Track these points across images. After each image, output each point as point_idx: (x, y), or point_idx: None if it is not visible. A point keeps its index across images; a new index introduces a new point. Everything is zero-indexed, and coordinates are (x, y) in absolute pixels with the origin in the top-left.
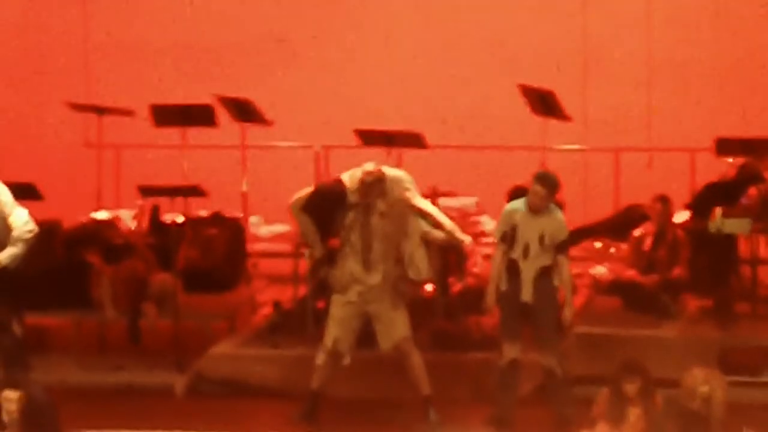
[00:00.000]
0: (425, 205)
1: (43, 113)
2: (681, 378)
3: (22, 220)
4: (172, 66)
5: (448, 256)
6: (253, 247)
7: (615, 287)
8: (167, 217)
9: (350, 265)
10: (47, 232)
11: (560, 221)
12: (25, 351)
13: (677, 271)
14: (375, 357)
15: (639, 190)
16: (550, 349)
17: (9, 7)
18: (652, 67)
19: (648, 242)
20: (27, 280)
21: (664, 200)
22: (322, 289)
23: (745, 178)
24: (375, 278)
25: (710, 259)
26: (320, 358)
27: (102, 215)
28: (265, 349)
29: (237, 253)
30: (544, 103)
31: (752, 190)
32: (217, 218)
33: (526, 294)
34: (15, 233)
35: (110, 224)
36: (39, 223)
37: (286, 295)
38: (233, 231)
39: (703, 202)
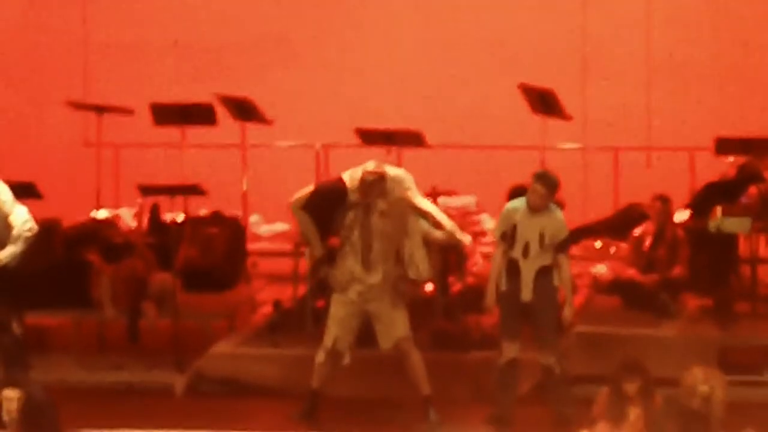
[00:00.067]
0: (426, 204)
1: (43, 113)
2: (681, 377)
3: (22, 218)
4: (172, 66)
5: (448, 256)
6: (252, 246)
7: (615, 286)
8: (167, 216)
9: (350, 265)
10: (47, 231)
11: (560, 220)
12: (25, 350)
13: (677, 271)
14: (375, 357)
15: (639, 190)
16: (550, 348)
17: (9, 7)
18: (652, 67)
19: (648, 241)
20: (27, 279)
21: (663, 199)
22: (322, 288)
23: (745, 177)
24: (375, 278)
25: (710, 259)
26: (320, 358)
27: (102, 214)
28: (264, 348)
29: (237, 253)
30: (544, 102)
31: (752, 190)
32: (217, 217)
33: (526, 293)
34: (15, 232)
35: (110, 223)
36: (39, 222)
37: (286, 294)
38: (233, 230)
39: (703, 202)
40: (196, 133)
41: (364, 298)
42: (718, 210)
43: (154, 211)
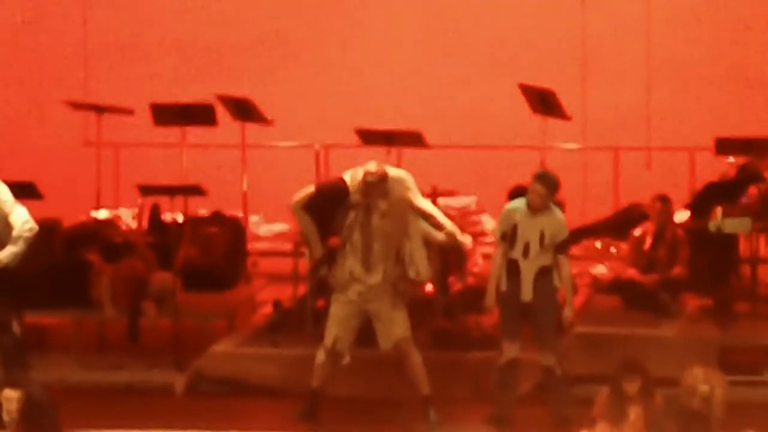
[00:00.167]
0: (426, 205)
1: (43, 113)
2: (681, 377)
3: (22, 219)
4: (172, 66)
5: (448, 256)
6: (253, 246)
7: (615, 286)
8: (167, 216)
9: (350, 265)
10: (47, 231)
11: (560, 221)
12: (25, 350)
13: (677, 271)
14: (375, 356)
15: (639, 190)
16: (550, 348)
17: (9, 7)
18: (652, 67)
19: (648, 241)
20: (27, 279)
21: (663, 199)
22: (322, 288)
23: (745, 177)
24: (375, 278)
25: (710, 259)
26: (320, 358)
27: (102, 214)
28: (264, 348)
29: (237, 252)
30: (543, 102)
31: (752, 190)
32: (217, 217)
33: (526, 293)
34: (15, 232)
35: (110, 223)
36: (39, 222)
37: (286, 294)
38: (233, 230)
39: (703, 202)
40: (196, 133)
41: (364, 299)
42: (719, 210)
43: (154, 211)
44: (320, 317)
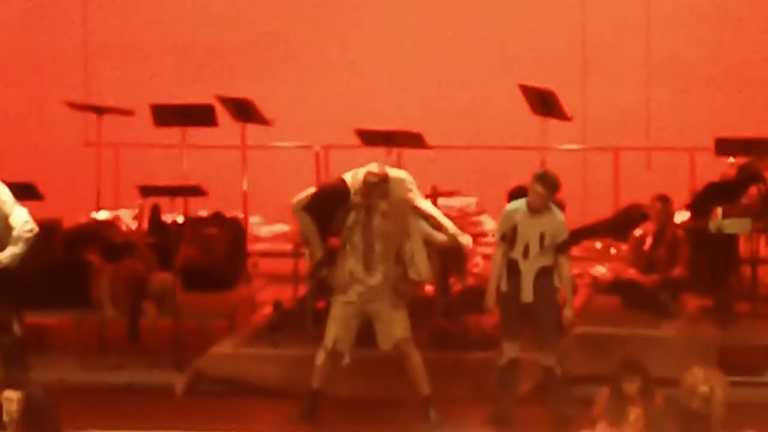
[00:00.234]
0: (427, 206)
1: (43, 113)
2: (681, 377)
3: (22, 219)
4: (172, 66)
5: (449, 257)
6: (253, 246)
7: (615, 287)
8: (167, 217)
9: (351, 265)
10: (47, 232)
11: (560, 221)
12: (25, 350)
13: (677, 271)
14: (375, 357)
15: (639, 190)
16: (550, 348)
17: (9, 7)
18: (652, 67)
19: (648, 242)
20: (27, 279)
21: (663, 200)
22: (322, 288)
23: (745, 177)
24: (376, 279)
25: (710, 259)
26: (320, 358)
27: (102, 215)
28: (264, 348)
29: (237, 253)
30: (543, 102)
31: (752, 190)
32: (217, 218)
33: (527, 294)
34: (15, 233)
35: (110, 224)
36: (39, 222)
37: (286, 294)
38: (233, 231)
39: (703, 202)
40: (196, 133)
41: (365, 299)
42: (719, 210)
43: (155, 212)
44: (320, 318)
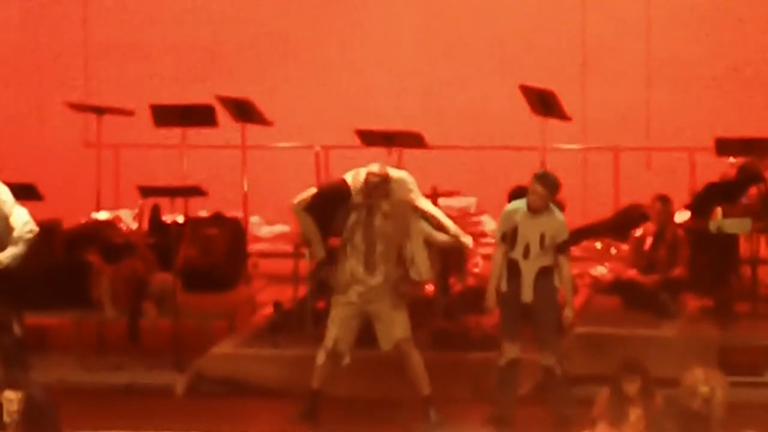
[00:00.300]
0: (429, 207)
1: (43, 113)
2: (681, 378)
3: (22, 220)
4: (172, 66)
5: (449, 257)
6: (253, 247)
7: (615, 287)
8: (167, 217)
9: (351, 266)
10: (47, 232)
11: (560, 221)
12: (25, 351)
13: (677, 271)
14: (375, 357)
15: (639, 190)
16: (550, 349)
17: (9, 6)
18: (652, 67)
19: (648, 242)
20: (27, 280)
21: (664, 200)
22: (322, 289)
23: (745, 177)
24: (377, 279)
25: (710, 259)
26: (320, 358)
27: (102, 215)
28: (265, 348)
29: (237, 253)
30: (543, 103)
31: (753, 190)
32: (217, 218)
33: (527, 294)
34: (16, 233)
35: (110, 224)
36: (39, 223)
37: (286, 295)
38: (233, 231)
39: (703, 202)
40: (197, 134)
41: (365, 299)
42: (719, 210)
43: (155, 212)
44: (320, 318)
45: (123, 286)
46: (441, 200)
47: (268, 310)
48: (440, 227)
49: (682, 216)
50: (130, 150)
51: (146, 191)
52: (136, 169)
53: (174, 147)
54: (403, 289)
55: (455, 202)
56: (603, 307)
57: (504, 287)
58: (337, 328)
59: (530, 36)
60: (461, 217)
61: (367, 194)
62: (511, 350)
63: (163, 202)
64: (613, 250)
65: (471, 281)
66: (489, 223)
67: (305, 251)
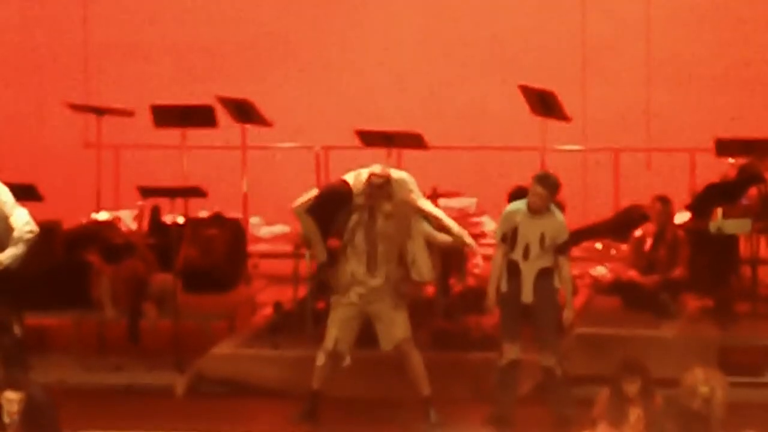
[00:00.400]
0: (431, 207)
1: (43, 113)
2: (681, 378)
3: (23, 220)
4: (172, 66)
5: (449, 258)
6: (253, 247)
7: (615, 287)
8: (167, 218)
9: (352, 267)
10: (47, 233)
11: (561, 222)
12: (25, 351)
13: (677, 271)
14: (375, 357)
15: (639, 191)
16: (551, 349)
17: (9, 6)
18: (652, 67)
19: (648, 242)
20: (27, 280)
21: (664, 200)
22: (322, 289)
23: (745, 178)
24: (378, 280)
25: (710, 259)
26: (320, 359)
27: (102, 216)
28: (265, 349)
29: (237, 254)
30: (543, 103)
31: (753, 191)
32: (217, 219)
33: (527, 295)
34: (16, 234)
35: (110, 225)
36: (39, 223)
37: (286, 295)
38: (233, 232)
39: (703, 203)
40: (197, 134)
41: (365, 300)
42: (719, 211)
43: (155, 213)
44: (320, 319)
45: (123, 287)
46: (441, 201)
47: (268, 310)
48: (443, 228)
49: (682, 216)
50: (130, 150)
51: (146, 192)
52: (136, 170)
53: (174, 147)
54: (404, 289)
55: (455, 202)
56: (603, 307)
57: (504, 288)
58: (338, 329)
59: (530, 36)
60: (461, 218)
61: (369, 195)
62: (511, 351)
63: (163, 202)
64: (613, 251)
65: (471, 282)
66: (489, 224)
67: (305, 252)
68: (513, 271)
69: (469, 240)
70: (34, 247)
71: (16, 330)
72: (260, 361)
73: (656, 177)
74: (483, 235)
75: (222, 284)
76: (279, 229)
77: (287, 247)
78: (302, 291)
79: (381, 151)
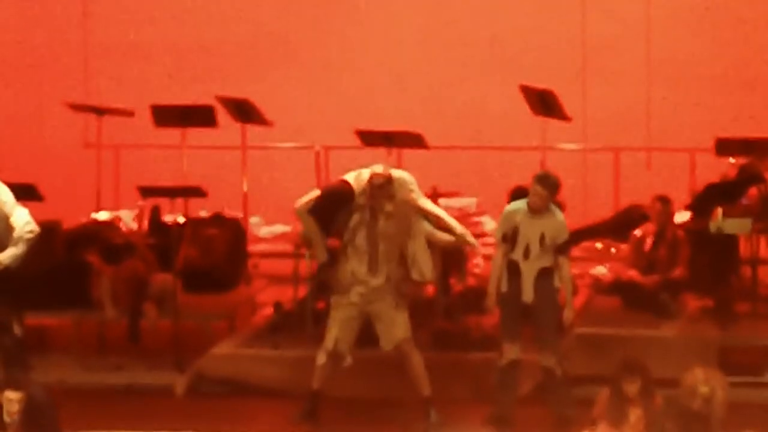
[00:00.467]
0: (432, 207)
1: (43, 113)
2: (681, 378)
3: (23, 220)
4: (172, 66)
5: (449, 257)
6: (253, 247)
7: (615, 287)
8: (168, 218)
9: (352, 266)
10: (47, 233)
11: (561, 222)
12: (26, 351)
13: (677, 271)
14: (375, 357)
15: (639, 191)
16: (551, 349)
17: (8, 7)
18: (652, 67)
19: (648, 242)
20: (27, 280)
21: (664, 200)
22: (323, 289)
23: (745, 178)
24: (379, 279)
25: (711, 259)
26: (321, 359)
27: (102, 216)
28: (265, 349)
29: (237, 254)
30: (544, 103)
31: (753, 190)
32: (217, 219)
33: (527, 295)
34: (16, 234)
35: (110, 224)
36: (39, 223)
37: (287, 295)
38: (233, 231)
39: (703, 202)
40: (197, 134)
41: (366, 300)
42: (719, 211)
43: (155, 213)
44: (321, 318)
45: (123, 287)
46: (441, 200)
47: (269, 310)
48: (446, 228)
49: (682, 216)
50: (130, 150)
51: (146, 191)
52: (136, 170)
53: (174, 147)
54: (405, 289)
55: (455, 202)
56: (603, 307)
57: (504, 288)
58: (338, 329)
59: (530, 36)
60: (461, 218)
61: (371, 195)
62: (511, 351)
63: (164, 202)
64: (613, 251)
65: (471, 281)
66: (489, 224)
67: (305, 251)
68: (513, 270)
69: (471, 239)
70: (35, 247)
71: (17, 330)
72: (260, 361)
73: (656, 177)
74: (483, 234)
75: (222, 284)
76: (279, 228)
77: (287, 247)
78: (302, 291)
79: (381, 151)
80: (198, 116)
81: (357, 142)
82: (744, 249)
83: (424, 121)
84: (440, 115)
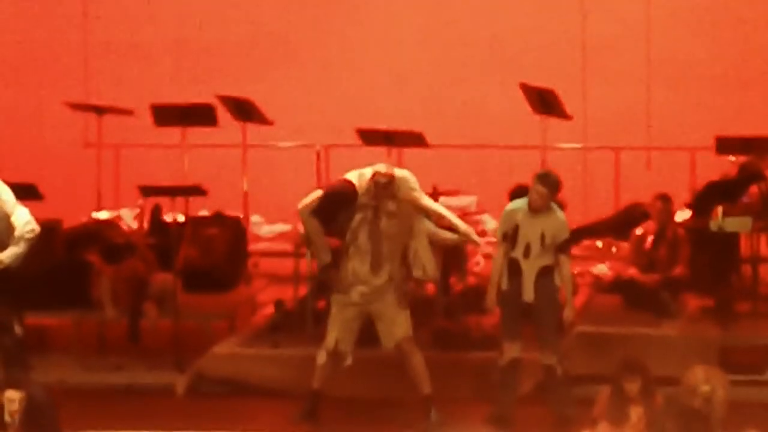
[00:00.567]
0: (435, 206)
1: (43, 113)
2: (682, 377)
3: (23, 219)
4: (172, 66)
5: (450, 256)
6: (253, 246)
7: (616, 286)
8: (168, 217)
9: (354, 266)
10: (48, 232)
11: (561, 221)
12: (26, 351)
13: (678, 270)
14: (376, 356)
15: (639, 189)
16: (551, 348)
17: (9, 6)
18: (652, 66)
19: (649, 241)
20: (28, 280)
21: (664, 199)
22: (323, 288)
23: (746, 176)
24: (381, 279)
25: (711, 258)
26: (321, 359)
27: (103, 215)
28: (265, 348)
29: (238, 253)
30: (544, 102)
31: (753, 189)
32: (217, 218)
33: (528, 294)
34: (17, 233)
35: (111, 224)
36: (39, 223)
37: (287, 294)
38: (234, 231)
39: (704, 201)
40: (197, 133)
41: (367, 299)
42: (719, 209)
43: (155, 212)
44: (321, 318)
45: (123, 286)
46: (441, 199)
47: (269, 310)
48: (448, 226)
49: (682, 215)
50: (130, 150)
51: (147, 191)
52: (136, 169)
53: (174, 146)
54: (406, 288)
55: (455, 201)
56: (604, 306)
57: (505, 286)
58: (339, 329)
59: (530, 36)
60: (461, 217)
61: (374, 194)
62: (511, 350)
63: (164, 201)
64: (614, 249)
65: (472, 281)
66: (489, 222)
67: (306, 251)
68: (514, 269)
69: (475, 237)
70: (35, 247)
71: (17, 330)
72: (260, 361)
73: (657, 175)
74: (483, 233)
75: (222, 284)
76: (279, 227)
77: (288, 246)
78: (303, 290)
79: (381, 150)
80: (198, 115)
81: (357, 141)
82: (745, 247)
83: (424, 121)
84: (440, 114)
